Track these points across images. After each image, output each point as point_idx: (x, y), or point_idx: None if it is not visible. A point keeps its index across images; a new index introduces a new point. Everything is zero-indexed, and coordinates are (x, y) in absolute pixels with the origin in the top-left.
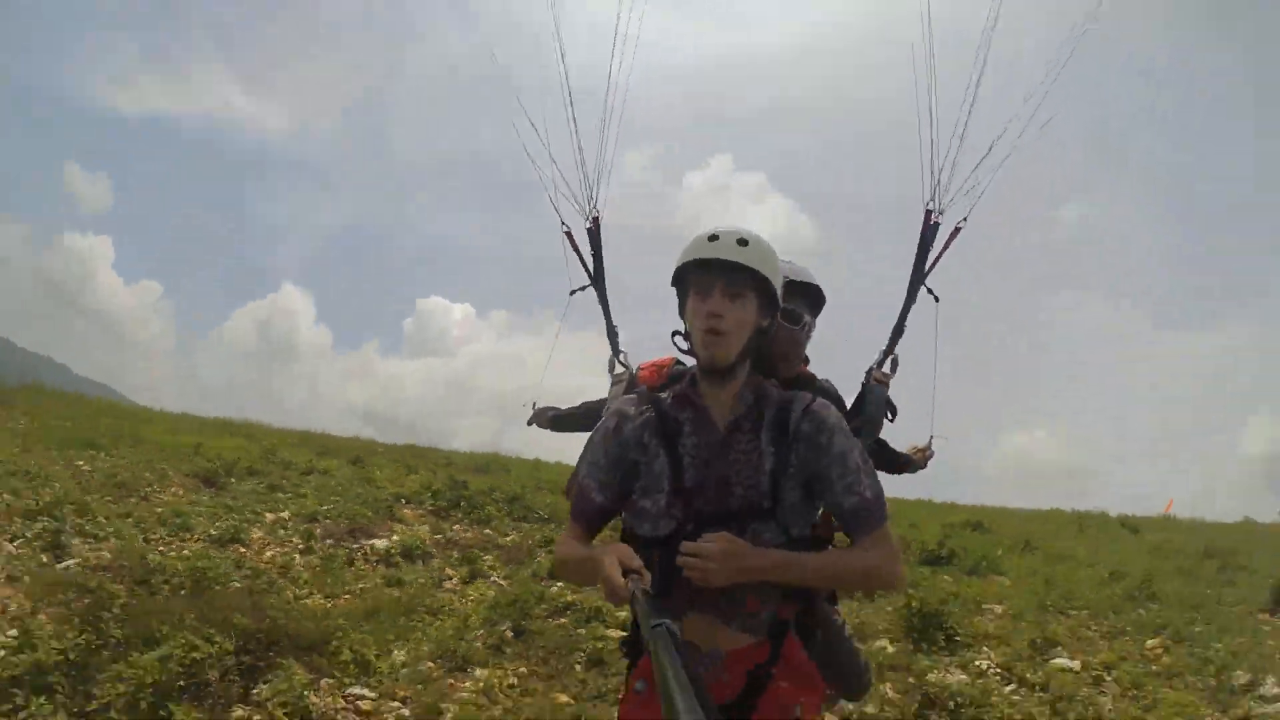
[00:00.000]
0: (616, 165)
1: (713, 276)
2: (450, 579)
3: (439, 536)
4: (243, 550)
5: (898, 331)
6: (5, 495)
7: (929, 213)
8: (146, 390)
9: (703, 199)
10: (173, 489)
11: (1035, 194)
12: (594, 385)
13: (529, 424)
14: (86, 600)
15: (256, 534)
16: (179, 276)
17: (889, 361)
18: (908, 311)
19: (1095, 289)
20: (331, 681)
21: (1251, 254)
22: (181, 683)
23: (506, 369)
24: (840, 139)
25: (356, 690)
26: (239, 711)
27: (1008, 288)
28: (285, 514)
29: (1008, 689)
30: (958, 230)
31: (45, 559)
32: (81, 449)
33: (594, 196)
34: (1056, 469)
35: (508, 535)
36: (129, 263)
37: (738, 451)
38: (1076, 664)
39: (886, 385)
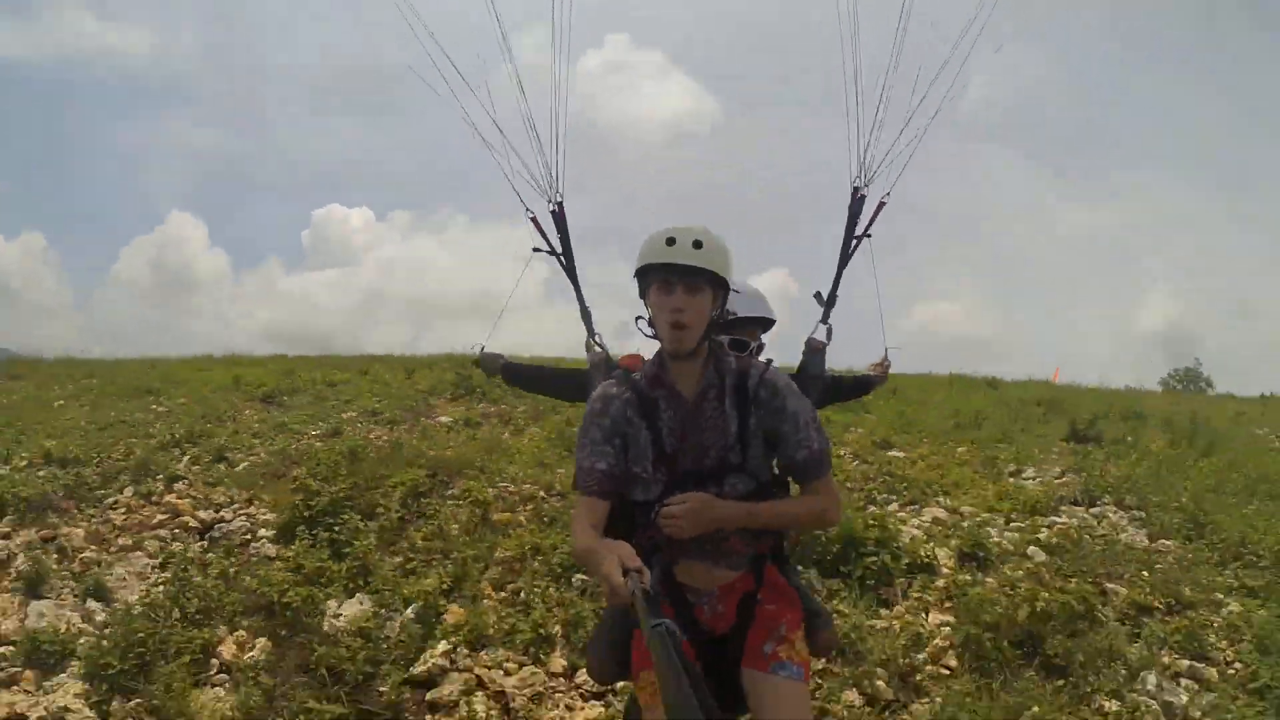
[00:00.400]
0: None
1: (674, 276)
2: (504, 434)
3: (473, 412)
4: (349, 437)
5: (831, 301)
6: (127, 439)
7: (855, 190)
8: (52, 348)
9: (601, 79)
10: (246, 411)
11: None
12: (500, 281)
13: (474, 364)
14: (305, 473)
15: (346, 428)
16: (61, 223)
17: (825, 330)
18: (838, 283)
19: (1005, 162)
20: (487, 481)
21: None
22: (421, 487)
23: (414, 272)
24: (745, 18)
25: (504, 484)
26: (449, 501)
27: (920, 159)
28: (353, 413)
29: (853, 464)
30: (882, 205)
31: (222, 468)
32: (143, 396)
33: (556, 180)
34: (961, 340)
35: (518, 407)
36: (5, 217)
37: (707, 419)
38: (901, 454)
39: (822, 352)
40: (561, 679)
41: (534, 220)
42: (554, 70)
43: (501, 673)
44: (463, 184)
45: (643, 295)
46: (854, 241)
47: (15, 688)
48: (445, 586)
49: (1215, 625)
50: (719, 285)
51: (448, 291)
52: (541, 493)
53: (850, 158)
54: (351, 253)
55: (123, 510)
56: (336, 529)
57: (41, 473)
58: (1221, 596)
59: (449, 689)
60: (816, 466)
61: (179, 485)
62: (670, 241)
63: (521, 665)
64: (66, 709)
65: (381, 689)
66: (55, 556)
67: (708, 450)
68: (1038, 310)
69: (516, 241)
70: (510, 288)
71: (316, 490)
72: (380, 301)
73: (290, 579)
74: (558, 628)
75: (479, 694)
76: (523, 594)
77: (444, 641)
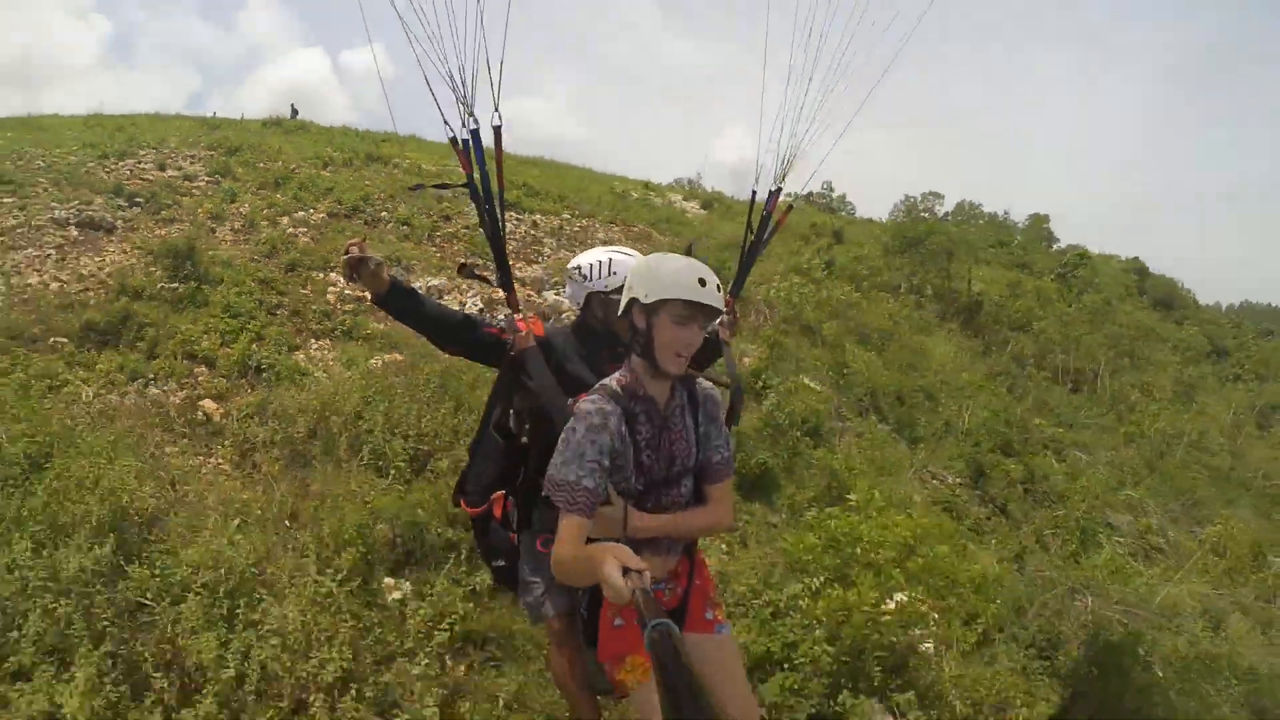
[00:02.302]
0: None
1: (695, 312)
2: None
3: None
4: None
5: (736, 296)
6: None
7: (773, 194)
8: None
9: None
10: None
11: None
12: (49, 39)
13: (345, 268)
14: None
15: None
16: None
17: (730, 322)
18: (743, 281)
19: None
20: None
21: None
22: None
23: None
24: None
25: None
26: None
27: None
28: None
29: None
30: (790, 208)
31: None
32: None
33: (495, 90)
34: (553, 138)
35: None
36: None
37: (676, 431)
38: None
39: (730, 344)
40: None
41: (454, 142)
42: None
43: None
44: None
45: (642, 311)
46: (765, 242)
47: None
48: None
49: None
50: None
51: None
52: None
53: (768, 159)
54: None
55: None
56: None
57: None
58: None
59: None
60: (725, 470)
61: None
62: (702, 282)
63: None
64: None
65: None
66: None
67: (675, 458)
68: (627, 118)
69: None
70: (60, 44)
71: None
72: None
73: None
74: None
75: None
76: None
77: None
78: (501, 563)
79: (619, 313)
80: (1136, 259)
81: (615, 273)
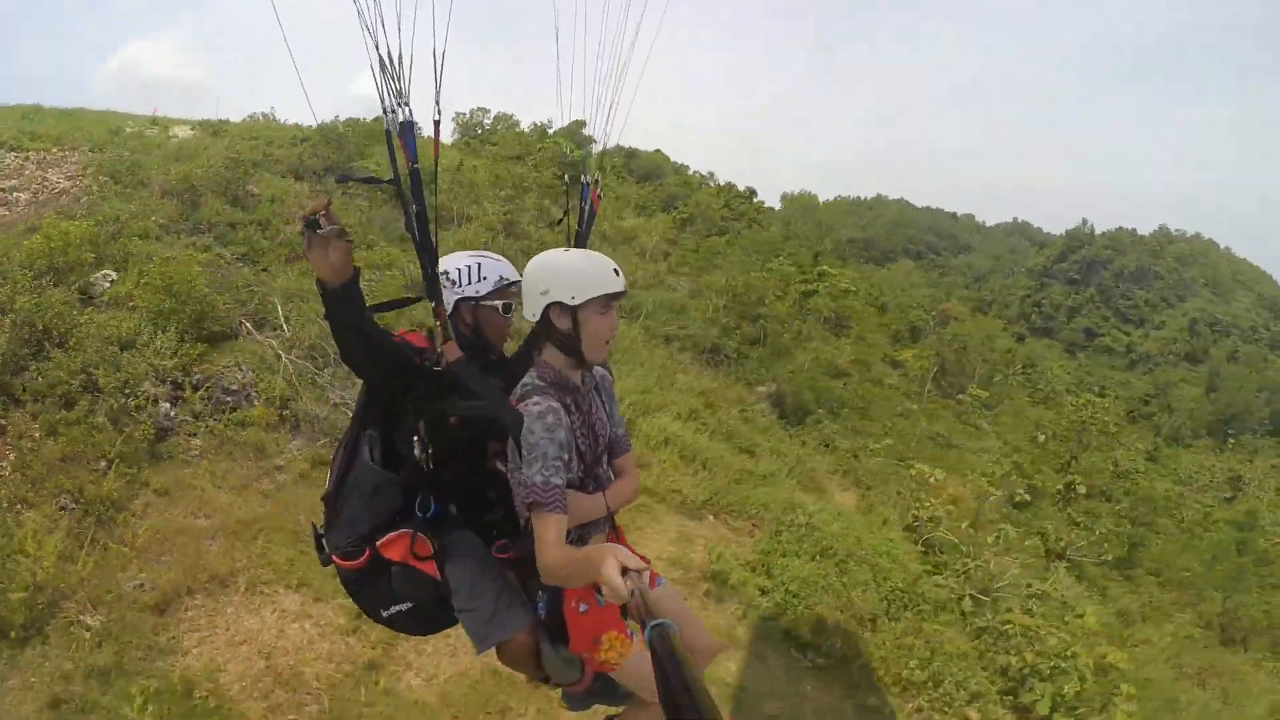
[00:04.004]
0: None
1: (614, 301)
2: None
3: None
4: None
5: None
6: None
7: (587, 185)
8: None
9: None
10: None
11: None
12: None
13: (309, 230)
14: None
15: None
16: None
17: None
18: None
19: None
20: None
21: None
22: None
23: None
24: None
25: None
26: None
27: None
28: None
29: None
30: (599, 197)
31: None
32: None
33: (437, 83)
34: (169, 81)
35: None
36: None
37: (595, 415)
38: None
39: None
40: None
41: (388, 132)
42: None
43: None
44: None
45: (565, 312)
46: (587, 233)
47: None
48: None
49: None
50: None
51: None
52: None
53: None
54: None
55: None
56: None
57: None
58: None
59: None
60: (626, 441)
61: None
62: (616, 272)
63: None
64: None
65: None
66: None
67: (599, 439)
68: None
69: None
70: None
71: None
72: None
73: None
74: None
75: None
76: None
77: None
78: (405, 606)
79: (533, 318)
80: (637, 148)
81: (485, 277)
